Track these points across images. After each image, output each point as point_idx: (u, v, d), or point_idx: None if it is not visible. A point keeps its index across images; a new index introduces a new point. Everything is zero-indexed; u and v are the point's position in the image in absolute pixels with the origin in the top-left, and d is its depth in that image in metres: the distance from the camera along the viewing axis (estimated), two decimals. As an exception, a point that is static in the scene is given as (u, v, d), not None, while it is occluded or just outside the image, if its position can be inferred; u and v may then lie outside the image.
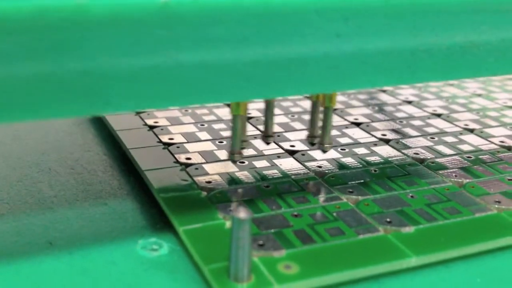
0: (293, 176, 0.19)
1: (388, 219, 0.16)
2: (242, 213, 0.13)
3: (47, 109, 0.12)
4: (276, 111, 0.25)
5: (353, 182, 0.18)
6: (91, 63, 0.12)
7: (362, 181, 0.19)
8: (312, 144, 0.20)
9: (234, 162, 0.18)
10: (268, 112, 0.19)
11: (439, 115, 0.25)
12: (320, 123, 0.19)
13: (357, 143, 0.22)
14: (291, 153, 0.21)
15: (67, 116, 0.13)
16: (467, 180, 0.19)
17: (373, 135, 0.23)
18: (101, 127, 0.24)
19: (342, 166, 0.20)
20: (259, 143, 0.21)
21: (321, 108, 0.19)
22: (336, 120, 0.24)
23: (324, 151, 0.19)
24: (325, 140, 0.19)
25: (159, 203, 0.17)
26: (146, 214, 0.17)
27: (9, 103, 0.12)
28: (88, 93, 0.13)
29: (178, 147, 0.21)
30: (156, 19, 0.13)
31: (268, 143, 0.20)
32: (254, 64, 0.14)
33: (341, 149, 0.21)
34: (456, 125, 0.24)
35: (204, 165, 0.19)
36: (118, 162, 0.21)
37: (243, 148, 0.18)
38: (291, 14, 0.14)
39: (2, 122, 0.12)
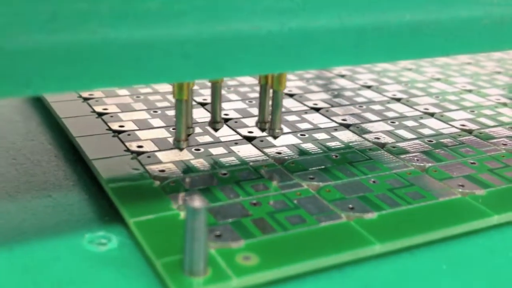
0: (251, 163, 0.18)
1: (350, 205, 0.16)
2: (197, 202, 0.12)
3: None
4: (233, 96, 0.24)
5: (314, 168, 0.18)
6: (3, 41, 0.11)
7: (323, 167, 0.18)
8: (262, 130, 0.19)
9: (180, 150, 0.17)
10: (215, 96, 0.18)
11: (398, 100, 0.25)
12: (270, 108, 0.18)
13: (317, 129, 0.21)
14: (249, 139, 0.20)
15: None
16: (430, 164, 0.18)
17: (333, 120, 0.22)
18: (46, 114, 0.22)
19: (302, 152, 0.19)
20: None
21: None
22: (295, 105, 0.24)
23: (275, 137, 0.18)
24: (276, 126, 0.18)
25: (108, 194, 0.16)
26: (94, 206, 0.16)
27: None
28: (2, 74, 0.11)
29: (129, 134, 0.20)
30: None
31: (216, 130, 0.19)
32: (191, 42, 0.12)
33: (301, 135, 0.20)
34: (416, 109, 0.24)
35: (157, 153, 0.18)
36: (64, 151, 0.19)
37: (189, 135, 0.17)
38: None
39: None
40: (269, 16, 0.13)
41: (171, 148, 0.19)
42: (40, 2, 0.11)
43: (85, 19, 0.12)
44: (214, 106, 0.18)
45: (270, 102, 0.18)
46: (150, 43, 0.12)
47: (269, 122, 0.18)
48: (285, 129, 0.21)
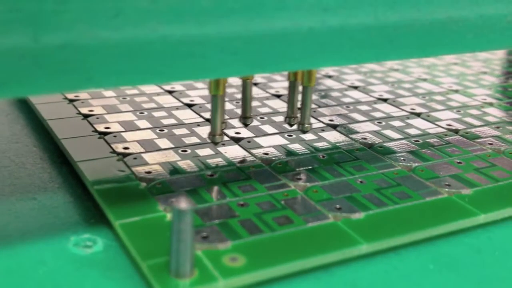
0: (238, 164, 0.18)
1: (337, 206, 0.16)
2: (183, 204, 0.12)
3: (21, 85, 0.12)
4: (220, 97, 0.24)
5: (301, 169, 0.18)
6: (71, 36, 0.12)
7: (310, 167, 0.18)
8: (291, 125, 0.19)
9: (215, 144, 0.18)
10: (246, 92, 0.19)
11: (385, 100, 0.25)
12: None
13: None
14: (236, 140, 0.20)
15: (43, 92, 0.12)
16: (416, 164, 0.18)
17: (320, 121, 0.22)
18: (31, 117, 0.22)
19: (289, 152, 0.19)
20: (201, 131, 0.20)
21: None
22: (282, 106, 0.23)
23: (304, 132, 0.19)
24: (305, 121, 0.18)
25: (93, 196, 0.16)
26: (79, 208, 0.16)
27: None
28: (67, 68, 0.12)
29: (115, 136, 0.19)
30: None
31: (246, 125, 0.19)
32: (239, 38, 0.13)
33: (288, 135, 0.20)
34: (403, 110, 0.24)
35: (143, 155, 0.18)
36: (49, 154, 0.19)
37: (223, 129, 0.18)
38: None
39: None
40: (312, 14, 0.14)
41: (158, 150, 0.19)
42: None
43: (146, 17, 0.12)
44: (244, 102, 0.19)
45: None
46: (203, 40, 0.13)
47: (298, 117, 0.19)
48: (272, 130, 0.21)
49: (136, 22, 0.12)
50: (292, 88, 0.19)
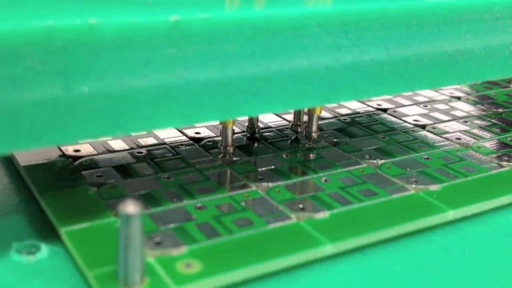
0: (197, 166, 0.17)
1: (300, 206, 0.15)
2: (131, 207, 0.11)
3: (54, 134, 0.12)
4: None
5: (264, 169, 0.17)
6: (101, 86, 0.12)
7: (273, 167, 0.17)
8: (296, 132, 0.20)
9: (227, 161, 0.17)
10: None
11: (351, 97, 0.24)
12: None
13: (267, 128, 0.20)
14: (196, 140, 0.19)
15: (75, 140, 0.12)
16: (382, 161, 0.18)
17: (284, 119, 0.21)
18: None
19: (250, 152, 0.18)
20: (159, 131, 0.19)
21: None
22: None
23: (311, 138, 0.19)
24: (312, 129, 0.19)
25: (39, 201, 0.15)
26: (25, 211, 0.15)
27: (16, 131, 0.11)
28: (97, 116, 0.12)
29: (66, 138, 0.18)
30: (167, 37, 0.12)
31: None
32: (260, 79, 0.13)
33: (251, 134, 0.19)
34: (369, 105, 0.23)
35: (95, 157, 0.17)
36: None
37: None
38: (295, 28, 0.14)
39: (8, 151, 0.11)
40: (327, 53, 0.14)
41: (110, 151, 0.18)
42: (137, 49, 0.12)
43: (173, 64, 0.12)
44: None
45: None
46: (225, 83, 0.13)
47: (304, 126, 0.19)
48: (235, 129, 0.20)
49: (164, 69, 0.12)
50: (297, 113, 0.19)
